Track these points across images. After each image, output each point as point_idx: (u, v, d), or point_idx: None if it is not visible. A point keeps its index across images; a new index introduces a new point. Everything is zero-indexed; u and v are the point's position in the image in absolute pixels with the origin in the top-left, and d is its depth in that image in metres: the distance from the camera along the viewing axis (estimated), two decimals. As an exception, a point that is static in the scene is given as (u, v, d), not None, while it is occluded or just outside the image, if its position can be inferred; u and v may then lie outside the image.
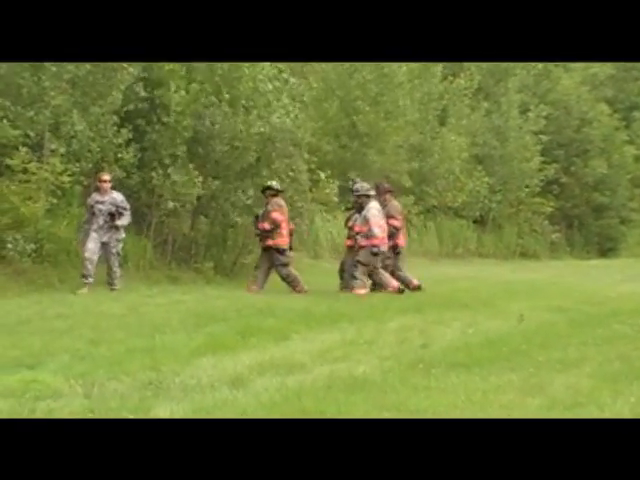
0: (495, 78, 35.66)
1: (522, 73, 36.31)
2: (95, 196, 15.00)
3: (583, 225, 39.04)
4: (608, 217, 39.31)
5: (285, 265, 16.14)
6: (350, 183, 17.04)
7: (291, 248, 16.54)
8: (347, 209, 17.39)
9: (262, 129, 17.70)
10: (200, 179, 17.28)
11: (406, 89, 28.83)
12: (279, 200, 16.32)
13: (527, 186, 34.29)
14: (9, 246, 14.33)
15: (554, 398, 7.17)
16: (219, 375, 7.75)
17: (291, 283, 16.12)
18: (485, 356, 9.10)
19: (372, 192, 16.11)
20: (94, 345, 9.08)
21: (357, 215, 16.06)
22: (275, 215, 16.06)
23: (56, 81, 15.48)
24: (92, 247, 14.52)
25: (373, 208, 15.81)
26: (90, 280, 14.31)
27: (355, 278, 15.65)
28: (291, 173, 18.65)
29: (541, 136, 34.49)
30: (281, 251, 16.13)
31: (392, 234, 16.20)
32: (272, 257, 16.12)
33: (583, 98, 38.50)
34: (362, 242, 15.64)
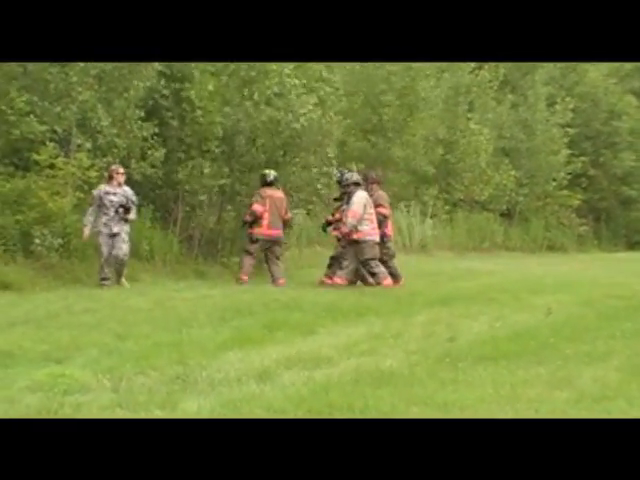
0: (522, 71, 35.48)
1: (549, 66, 36.09)
2: (105, 187, 14.75)
3: (611, 218, 38.78)
4: (636, 210, 39.00)
5: (247, 252, 16.18)
6: (337, 174, 16.87)
7: (255, 238, 16.37)
8: (335, 200, 17.25)
9: (285, 121, 17.67)
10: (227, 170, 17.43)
11: (432, 82, 28.81)
12: (265, 191, 16.29)
13: (554, 179, 34.11)
14: (37, 241, 14.38)
15: (582, 391, 7.15)
16: (246, 369, 7.76)
17: (241, 268, 16.24)
18: (512, 349, 9.08)
19: (360, 181, 16.16)
20: (121, 339, 9.12)
21: (346, 206, 16.02)
22: (255, 207, 16.13)
23: (83, 77, 15.54)
24: (106, 250, 14.48)
25: (356, 196, 15.80)
26: (110, 282, 14.33)
27: (375, 273, 15.66)
28: (315, 169, 18.59)
29: (568, 129, 34.30)
30: (254, 240, 16.19)
31: (380, 222, 16.16)
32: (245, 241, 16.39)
33: (610, 90, 38.23)
34: (353, 235, 15.65)
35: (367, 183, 16.45)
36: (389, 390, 6.99)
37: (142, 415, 6.06)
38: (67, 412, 6.15)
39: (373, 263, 15.68)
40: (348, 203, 15.87)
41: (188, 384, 7.17)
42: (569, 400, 6.83)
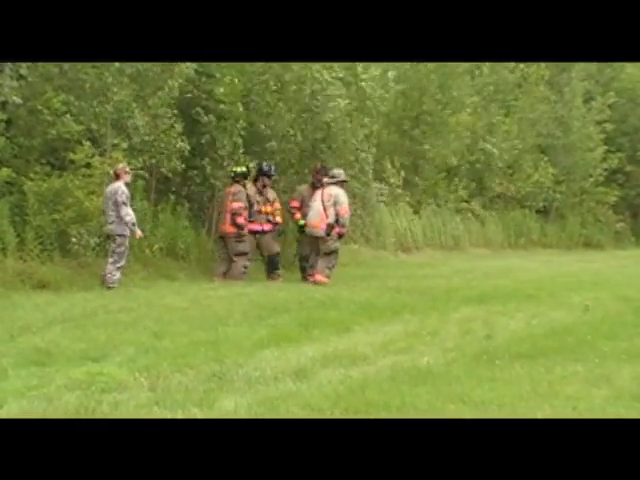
0: (559, 67, 35.24)
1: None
2: (126, 188, 14.29)
3: (648, 214, 38.52)
4: (674, 206, 38.71)
5: (237, 254, 15.99)
6: (265, 166, 16.53)
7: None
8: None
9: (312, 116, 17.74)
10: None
11: (467, 80, 28.81)
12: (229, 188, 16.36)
13: (591, 175, 33.91)
14: (73, 240, 14.44)
15: (621, 389, 7.11)
16: (282, 367, 7.77)
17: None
18: (550, 347, 9.04)
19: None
20: (158, 338, 9.14)
21: (259, 198, 16.38)
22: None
23: (118, 76, 15.59)
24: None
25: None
26: None
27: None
28: (354, 163, 18.59)
29: (605, 124, 34.07)
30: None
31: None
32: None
33: (648, 86, 37.93)
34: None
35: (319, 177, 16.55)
36: (426, 388, 6.98)
37: (179, 413, 6.08)
38: (105, 410, 6.18)
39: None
40: (260, 194, 16.35)
41: (225, 382, 7.18)
42: (608, 398, 6.79)
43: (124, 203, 14.08)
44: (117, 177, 14.28)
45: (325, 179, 16.15)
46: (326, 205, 15.71)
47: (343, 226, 15.85)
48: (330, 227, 15.64)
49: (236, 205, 15.89)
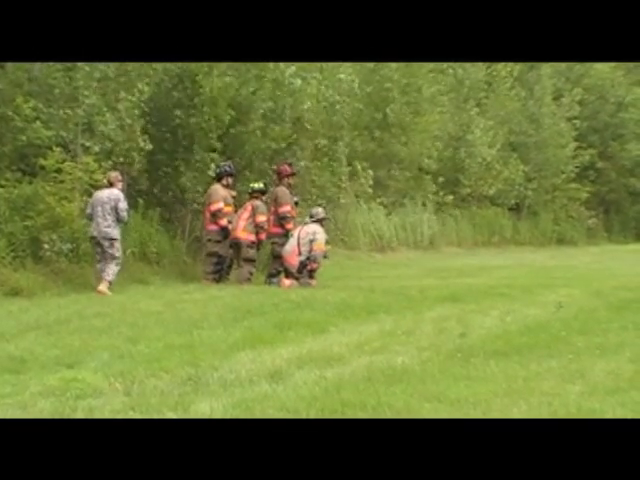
0: (528, 65, 35.43)
1: (554, 58, 36.03)
2: None
3: (620, 210, 38.77)
4: (645, 201, 39.01)
5: (246, 260, 15.93)
6: (227, 167, 16.26)
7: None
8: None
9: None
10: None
11: (436, 76, 28.94)
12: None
13: (563, 172, 34.10)
14: (46, 246, 14.37)
15: (595, 384, 7.14)
16: (258, 369, 7.75)
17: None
18: (524, 344, 9.08)
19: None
20: (133, 343, 9.10)
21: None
22: None
23: (88, 81, 15.52)
24: None
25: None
26: None
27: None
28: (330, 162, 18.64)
29: (575, 121, 34.27)
30: None
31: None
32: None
33: (617, 82, 38.17)
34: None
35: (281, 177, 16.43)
36: (401, 387, 6.99)
37: (155, 418, 6.05)
38: (80, 416, 6.14)
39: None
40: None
41: (200, 385, 7.16)
42: (582, 393, 6.81)
43: (127, 209, 14.51)
44: (111, 184, 14.46)
45: (307, 218, 16.15)
46: (301, 242, 15.62)
47: (314, 261, 15.61)
48: (302, 265, 15.57)
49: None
